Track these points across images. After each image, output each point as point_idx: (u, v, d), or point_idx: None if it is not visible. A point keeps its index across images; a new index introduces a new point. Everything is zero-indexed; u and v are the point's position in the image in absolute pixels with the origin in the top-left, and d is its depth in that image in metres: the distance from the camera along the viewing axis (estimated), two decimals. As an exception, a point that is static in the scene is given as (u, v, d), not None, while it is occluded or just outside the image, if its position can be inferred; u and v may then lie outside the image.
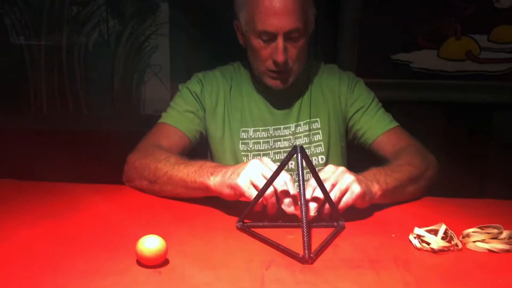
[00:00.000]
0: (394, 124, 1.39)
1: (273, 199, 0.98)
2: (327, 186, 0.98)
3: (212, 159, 1.43)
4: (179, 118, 1.36)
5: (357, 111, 1.40)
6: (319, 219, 1.01)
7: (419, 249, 0.90)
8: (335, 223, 1.01)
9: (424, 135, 1.37)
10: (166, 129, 1.35)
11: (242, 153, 1.38)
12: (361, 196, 1.01)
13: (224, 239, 0.95)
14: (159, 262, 0.80)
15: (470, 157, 1.93)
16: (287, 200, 0.97)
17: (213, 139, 1.41)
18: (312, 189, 0.99)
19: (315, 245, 0.89)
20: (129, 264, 0.81)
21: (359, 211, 1.08)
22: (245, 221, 1.00)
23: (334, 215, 1.00)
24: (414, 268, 0.83)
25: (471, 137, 1.99)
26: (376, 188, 1.06)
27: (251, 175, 0.98)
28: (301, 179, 0.87)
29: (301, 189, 0.87)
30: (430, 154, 1.30)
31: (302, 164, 0.88)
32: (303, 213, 0.85)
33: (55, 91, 2.03)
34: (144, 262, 0.80)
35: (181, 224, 1.02)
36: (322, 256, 0.87)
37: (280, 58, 1.25)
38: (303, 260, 0.83)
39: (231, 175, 1.01)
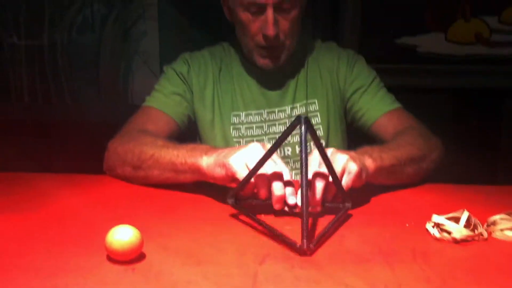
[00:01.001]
0: (396, 105, 1.28)
1: (266, 185, 0.87)
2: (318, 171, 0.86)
3: (202, 143, 1.31)
4: (165, 101, 1.25)
5: (356, 91, 1.29)
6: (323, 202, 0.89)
7: (439, 240, 0.78)
8: (341, 205, 0.89)
9: (432, 123, 1.25)
10: (151, 113, 1.24)
11: (235, 139, 1.27)
12: (359, 174, 0.90)
13: (212, 231, 0.82)
14: (133, 256, 0.68)
15: (481, 146, 1.82)
16: (289, 190, 0.86)
17: (202, 124, 1.29)
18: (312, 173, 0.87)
19: (317, 234, 0.77)
20: (99, 260, 0.68)
21: (366, 198, 0.97)
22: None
23: (338, 197, 0.89)
24: (434, 261, 0.71)
25: (482, 125, 1.88)
26: (369, 162, 0.95)
27: (247, 158, 0.87)
28: (303, 156, 0.74)
29: (303, 167, 0.74)
30: (435, 136, 1.19)
31: (306, 138, 0.76)
32: (303, 197, 0.73)
33: (36, 80, 1.91)
34: (115, 257, 0.68)
35: (161, 216, 0.90)
36: (325, 248, 0.75)
37: (270, 31, 1.14)
38: (301, 251, 0.71)
39: (226, 154, 0.90)
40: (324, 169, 0.84)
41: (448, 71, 1.85)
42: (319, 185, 0.85)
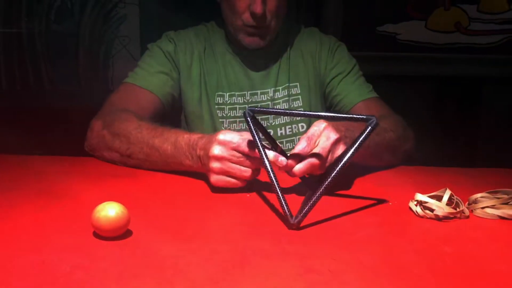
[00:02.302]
0: (374, 94, 1.30)
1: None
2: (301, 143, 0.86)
3: (187, 124, 1.31)
4: (150, 79, 1.23)
5: (335, 76, 1.31)
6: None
7: (422, 217, 0.79)
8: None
9: (412, 111, 1.27)
10: (134, 91, 1.22)
11: (220, 119, 1.28)
12: (338, 139, 0.88)
13: (200, 208, 0.82)
14: (120, 233, 0.67)
15: (459, 133, 1.85)
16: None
17: (189, 103, 1.28)
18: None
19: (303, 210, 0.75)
20: (85, 237, 0.68)
21: (350, 179, 0.98)
22: None
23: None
24: (418, 237, 0.73)
25: (461, 113, 1.90)
26: (340, 127, 0.93)
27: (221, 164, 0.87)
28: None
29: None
30: (409, 128, 1.22)
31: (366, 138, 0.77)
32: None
33: (14, 66, 1.86)
34: (101, 233, 0.67)
35: (149, 193, 0.90)
36: (312, 225, 0.75)
37: (258, 8, 1.14)
38: (288, 223, 0.72)
39: (204, 159, 0.90)
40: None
41: (428, 59, 1.87)
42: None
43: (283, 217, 0.75)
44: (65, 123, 1.72)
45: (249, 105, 1.28)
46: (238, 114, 1.28)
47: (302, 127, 1.30)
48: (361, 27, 1.85)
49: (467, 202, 0.83)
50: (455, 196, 0.81)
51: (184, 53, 1.27)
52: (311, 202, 0.73)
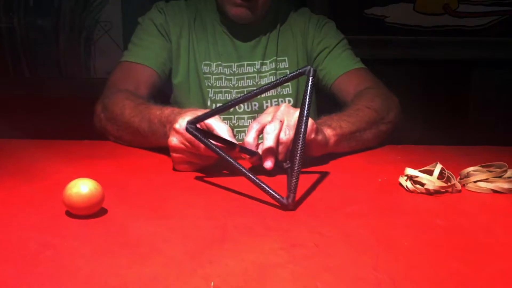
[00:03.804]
0: (359, 65, 1.29)
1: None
2: (272, 126, 0.81)
3: (176, 95, 1.29)
4: (144, 54, 1.23)
5: (322, 51, 1.30)
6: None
7: (412, 192, 0.76)
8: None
9: (400, 95, 1.24)
10: (130, 69, 1.21)
11: (207, 89, 1.27)
12: (315, 130, 0.85)
13: (179, 187, 0.79)
14: (93, 211, 0.63)
15: (449, 117, 1.82)
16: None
17: (178, 72, 1.27)
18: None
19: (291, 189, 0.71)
20: (56, 215, 0.64)
21: (339, 158, 0.95)
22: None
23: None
24: (408, 211, 0.69)
25: (449, 96, 1.88)
26: (329, 132, 0.93)
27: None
28: (306, 109, 0.70)
29: (304, 120, 0.70)
30: (392, 96, 1.20)
31: (312, 90, 0.71)
32: (299, 150, 0.69)
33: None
34: (74, 211, 0.63)
35: (126, 172, 0.87)
36: (299, 203, 0.71)
37: None
38: (283, 205, 0.68)
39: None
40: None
41: (416, 42, 1.84)
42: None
43: (273, 199, 0.70)
44: (46, 110, 1.67)
45: (236, 76, 1.26)
46: (224, 84, 1.27)
47: (289, 101, 1.28)
48: (349, 10, 1.82)
49: (459, 177, 0.81)
50: (446, 170, 0.78)
51: (174, 23, 1.26)
52: (294, 177, 0.69)
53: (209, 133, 0.80)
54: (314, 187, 0.79)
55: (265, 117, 0.84)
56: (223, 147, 0.78)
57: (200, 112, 0.80)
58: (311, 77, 0.71)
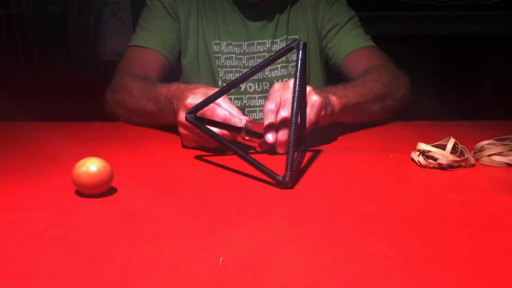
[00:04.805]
0: (370, 43, 1.25)
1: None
2: (269, 104, 0.81)
3: (186, 75, 1.28)
4: (152, 37, 1.21)
5: (332, 28, 1.27)
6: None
7: (424, 167, 0.74)
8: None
9: (413, 72, 1.21)
10: (138, 53, 1.20)
11: (218, 68, 1.25)
12: (322, 106, 0.84)
13: (189, 167, 0.78)
14: (102, 190, 0.63)
15: (463, 93, 1.79)
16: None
17: (187, 52, 1.26)
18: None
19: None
20: (65, 194, 0.63)
21: (347, 135, 0.93)
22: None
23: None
24: (420, 186, 0.68)
25: (463, 72, 1.84)
26: (334, 100, 0.91)
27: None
28: (297, 83, 0.69)
29: (296, 96, 0.69)
30: (403, 75, 1.17)
31: (304, 64, 0.70)
32: (292, 129, 0.68)
33: (3, 37, 1.80)
34: (82, 191, 0.63)
35: (135, 152, 0.86)
36: (307, 181, 0.70)
37: None
38: (280, 184, 0.67)
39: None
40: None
41: (429, 17, 1.80)
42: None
43: (270, 177, 0.69)
44: (56, 94, 1.67)
45: (246, 56, 1.25)
46: (234, 64, 1.25)
47: None
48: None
49: (473, 151, 0.79)
50: (459, 145, 0.76)
51: (182, 2, 1.24)
52: (290, 154, 0.67)
53: (211, 121, 0.79)
54: (324, 164, 0.78)
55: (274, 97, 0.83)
56: (229, 131, 0.79)
57: (206, 88, 0.81)
58: (300, 51, 0.69)
